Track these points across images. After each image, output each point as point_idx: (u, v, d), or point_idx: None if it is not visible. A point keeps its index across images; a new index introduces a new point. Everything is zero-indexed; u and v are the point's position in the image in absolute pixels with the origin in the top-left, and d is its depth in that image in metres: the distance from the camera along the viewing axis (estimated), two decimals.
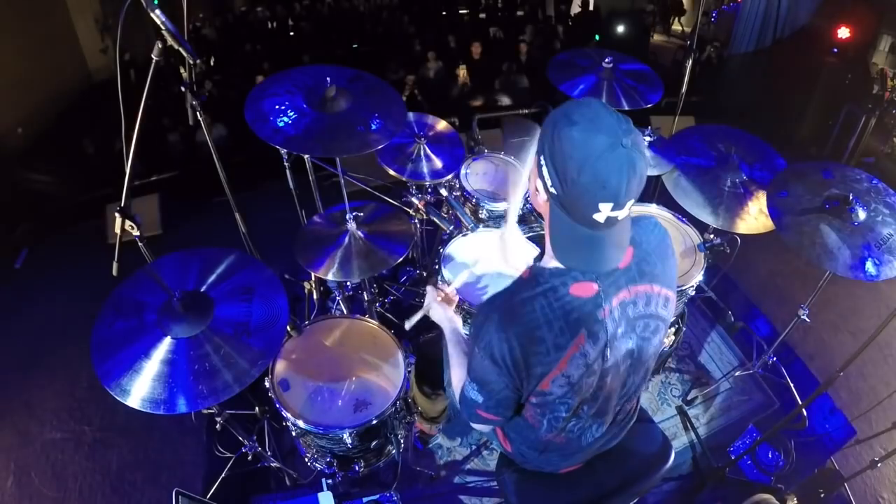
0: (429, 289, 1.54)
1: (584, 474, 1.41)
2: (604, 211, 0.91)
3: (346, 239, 2.14)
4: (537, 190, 1.02)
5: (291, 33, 9.09)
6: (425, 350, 2.13)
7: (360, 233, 2.16)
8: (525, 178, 1.15)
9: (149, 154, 5.13)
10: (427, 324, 1.57)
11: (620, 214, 0.93)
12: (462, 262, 2.11)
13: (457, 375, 1.30)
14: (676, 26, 9.48)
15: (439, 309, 1.47)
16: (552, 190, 0.95)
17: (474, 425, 1.25)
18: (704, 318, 3.10)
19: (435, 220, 2.36)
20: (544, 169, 0.95)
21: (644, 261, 1.07)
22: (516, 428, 1.31)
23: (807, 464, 2.40)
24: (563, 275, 1.02)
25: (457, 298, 1.59)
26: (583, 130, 0.89)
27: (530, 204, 2.77)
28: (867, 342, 1.85)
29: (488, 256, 1.84)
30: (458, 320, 1.47)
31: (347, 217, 2.15)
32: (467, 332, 1.93)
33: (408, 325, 1.56)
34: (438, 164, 2.58)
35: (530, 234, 2.53)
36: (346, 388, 1.87)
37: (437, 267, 2.21)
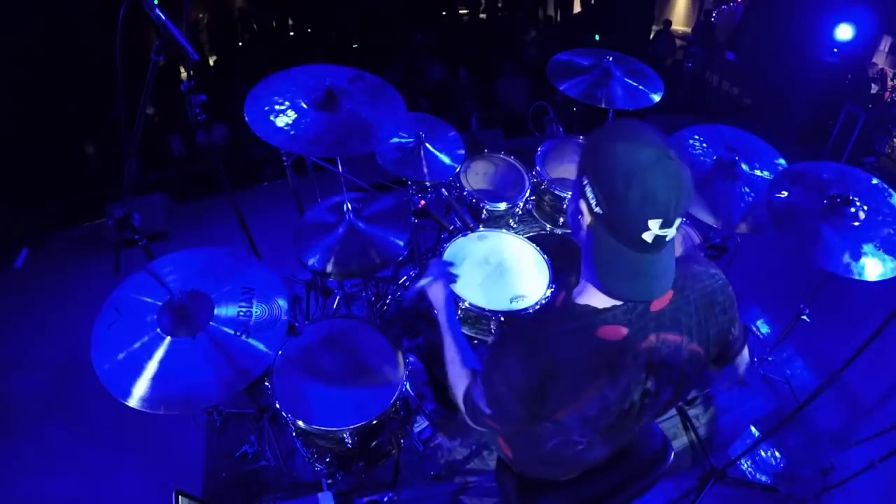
0: (434, 261, 1.48)
1: (584, 475, 1.41)
2: (653, 229, 0.87)
3: (345, 232, 2.14)
4: (580, 214, 0.96)
5: (291, 33, 9.09)
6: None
7: (359, 224, 2.16)
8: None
9: (149, 154, 5.13)
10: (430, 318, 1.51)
11: (669, 233, 0.89)
12: (461, 262, 2.11)
13: (453, 372, 1.28)
14: (677, 26, 9.48)
15: (439, 287, 1.41)
16: (597, 210, 0.90)
17: (477, 427, 1.23)
18: None
19: (436, 219, 2.36)
20: (588, 190, 0.91)
21: (681, 310, 1.04)
22: (521, 438, 1.30)
23: (807, 464, 2.40)
24: (593, 315, 0.99)
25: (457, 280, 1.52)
26: (627, 144, 0.87)
27: (531, 204, 2.77)
28: (867, 342, 1.85)
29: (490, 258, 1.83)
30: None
31: (346, 208, 2.14)
32: (467, 333, 1.92)
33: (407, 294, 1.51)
34: (438, 163, 2.58)
35: (530, 234, 2.53)
36: (346, 389, 1.87)
37: None
